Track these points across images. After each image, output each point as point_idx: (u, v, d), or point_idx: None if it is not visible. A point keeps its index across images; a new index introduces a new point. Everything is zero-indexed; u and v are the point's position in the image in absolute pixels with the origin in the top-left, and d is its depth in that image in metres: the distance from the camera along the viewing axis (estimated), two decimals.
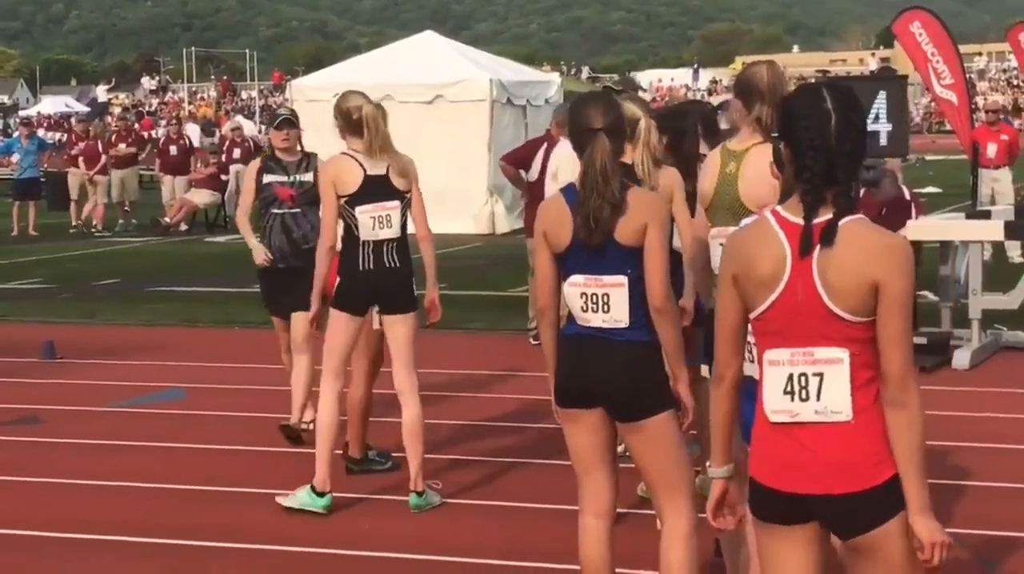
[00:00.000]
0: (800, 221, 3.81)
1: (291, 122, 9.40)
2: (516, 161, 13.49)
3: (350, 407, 8.62)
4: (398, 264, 7.86)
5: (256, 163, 9.48)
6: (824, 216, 3.79)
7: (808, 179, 3.80)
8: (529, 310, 13.28)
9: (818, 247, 3.77)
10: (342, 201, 7.73)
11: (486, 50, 33.26)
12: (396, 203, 7.83)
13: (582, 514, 5.45)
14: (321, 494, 7.73)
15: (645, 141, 6.31)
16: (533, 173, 12.92)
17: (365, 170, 7.74)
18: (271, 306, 9.59)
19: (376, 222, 7.77)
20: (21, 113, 77.76)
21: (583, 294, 5.23)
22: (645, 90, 35.92)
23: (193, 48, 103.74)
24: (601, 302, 5.21)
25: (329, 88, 26.11)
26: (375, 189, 7.75)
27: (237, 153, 26.78)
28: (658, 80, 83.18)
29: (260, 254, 9.32)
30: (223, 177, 26.67)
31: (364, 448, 8.73)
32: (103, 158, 27.27)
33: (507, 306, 15.02)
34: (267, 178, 9.32)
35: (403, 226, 7.87)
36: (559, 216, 5.28)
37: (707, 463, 4.30)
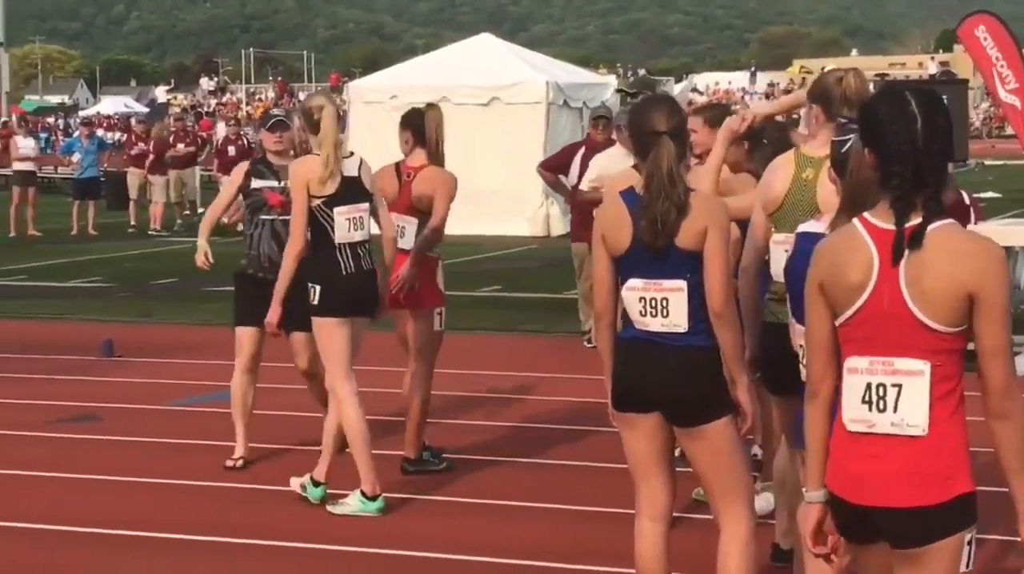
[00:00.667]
0: (889, 227, 3.72)
1: (285, 124, 9.02)
2: (554, 167, 13.50)
3: (410, 409, 8.64)
4: (372, 266, 7.88)
5: (244, 165, 9.00)
6: (914, 221, 3.71)
7: (897, 185, 3.72)
8: (580, 313, 13.30)
9: (906, 253, 3.68)
10: (318, 202, 7.66)
11: (543, 52, 33.24)
12: (367, 205, 7.83)
13: (638, 518, 5.44)
14: (373, 498, 7.73)
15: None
16: (572, 177, 12.94)
17: (342, 171, 7.69)
18: (242, 316, 8.81)
19: (351, 224, 7.72)
20: (81, 113, 78.39)
21: (642, 298, 5.21)
22: (664, 88, 35.63)
23: (251, 49, 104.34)
24: (660, 306, 5.19)
25: (386, 90, 26.24)
26: (351, 190, 7.73)
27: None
28: (715, 83, 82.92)
29: (201, 255, 8.79)
30: None
31: (420, 449, 8.74)
32: (149, 158, 27.51)
33: (562, 308, 15.00)
34: (256, 182, 8.82)
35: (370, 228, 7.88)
36: (618, 219, 5.26)
37: (803, 488, 4.20)
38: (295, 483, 8.04)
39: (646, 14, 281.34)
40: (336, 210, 7.66)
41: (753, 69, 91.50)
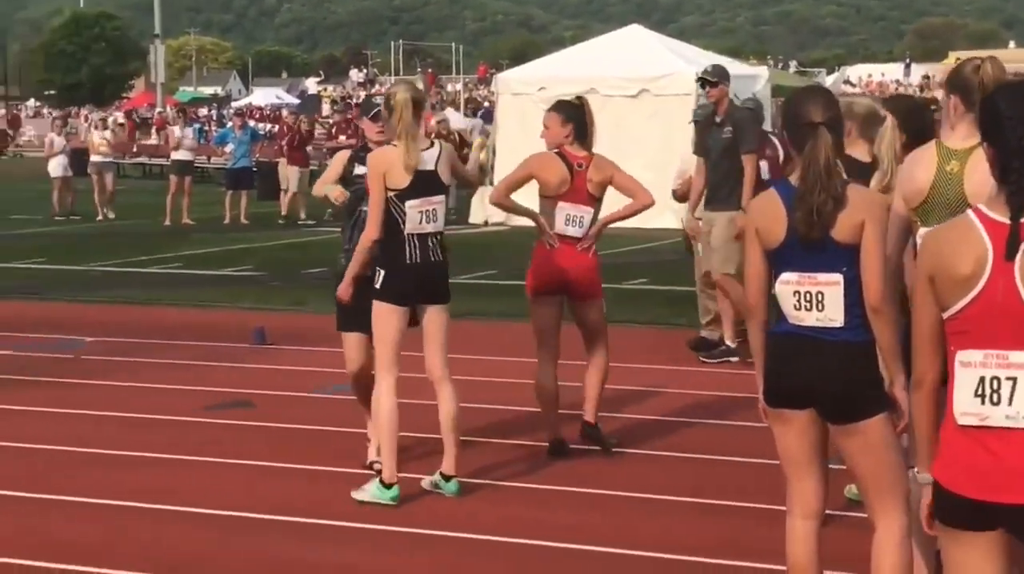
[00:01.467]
0: (1005, 220, 3.70)
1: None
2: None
3: (597, 380, 8.87)
4: (441, 258, 7.90)
5: (347, 152, 8.86)
6: None
7: (1015, 180, 3.69)
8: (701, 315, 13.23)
9: (1022, 248, 3.66)
10: (391, 194, 7.73)
11: (692, 43, 33.01)
12: (441, 197, 7.88)
13: (790, 515, 5.37)
14: (388, 486, 7.76)
15: (891, 141, 6.18)
16: (763, 172, 12.95)
17: (416, 165, 7.72)
18: (348, 322, 8.48)
19: (423, 216, 7.78)
20: (234, 104, 79.75)
21: (796, 292, 5.14)
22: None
23: (400, 41, 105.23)
24: (815, 300, 5.11)
25: (534, 82, 26.27)
26: (424, 184, 7.77)
27: None
28: (868, 75, 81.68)
29: (336, 190, 8.42)
30: None
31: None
32: (284, 148, 27.86)
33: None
34: (359, 169, 8.54)
35: (444, 219, 7.94)
36: (772, 212, 5.19)
37: (913, 468, 4.19)
38: (426, 483, 8.05)
39: (797, 5, 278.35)
40: (408, 203, 7.75)
41: (908, 61, 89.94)
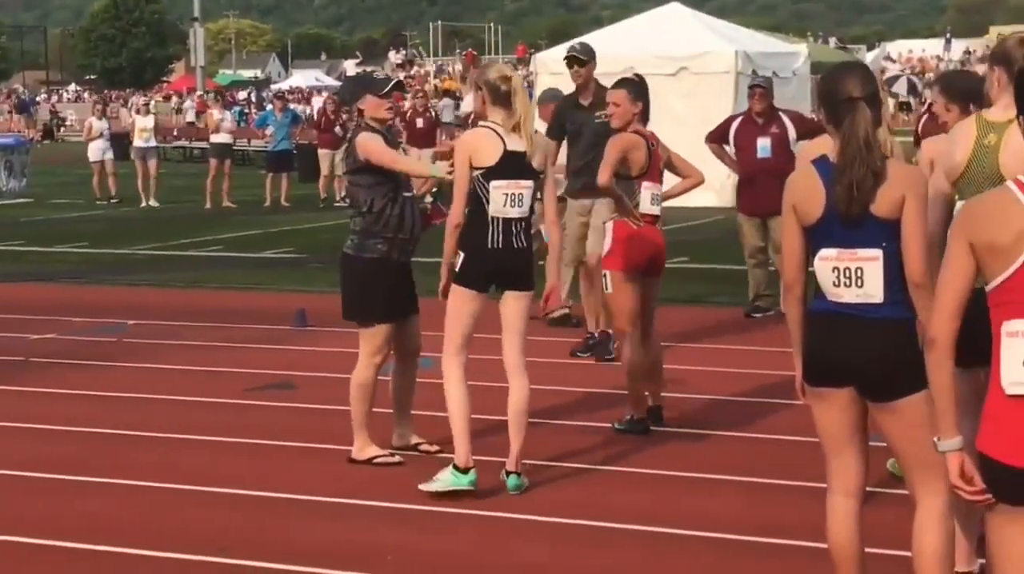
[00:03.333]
0: None
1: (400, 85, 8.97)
2: (716, 137, 13.51)
3: (654, 363, 9.04)
4: (524, 244, 7.74)
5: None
6: None
7: None
8: (750, 290, 13.42)
9: None
10: (477, 173, 7.58)
11: (732, 21, 32.86)
12: (530, 182, 7.69)
13: (830, 493, 5.36)
14: (465, 470, 7.64)
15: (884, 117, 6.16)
16: (731, 148, 13.07)
17: (505, 145, 7.58)
18: (389, 310, 8.33)
19: (508, 199, 7.60)
20: (273, 87, 79.90)
21: (835, 268, 5.11)
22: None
23: (439, 22, 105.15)
24: (854, 276, 5.08)
25: None
26: (513, 165, 7.60)
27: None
28: (908, 51, 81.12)
29: (445, 167, 8.07)
30: None
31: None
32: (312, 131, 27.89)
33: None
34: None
35: (531, 206, 7.77)
36: (811, 188, 5.16)
37: (935, 438, 4.18)
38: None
39: None
40: (493, 184, 7.56)
41: (948, 36, 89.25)
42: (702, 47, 24.91)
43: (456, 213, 7.65)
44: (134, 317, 13.85)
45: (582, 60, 11.26)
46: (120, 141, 32.88)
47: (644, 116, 9.02)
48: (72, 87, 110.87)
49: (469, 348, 7.80)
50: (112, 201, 28.47)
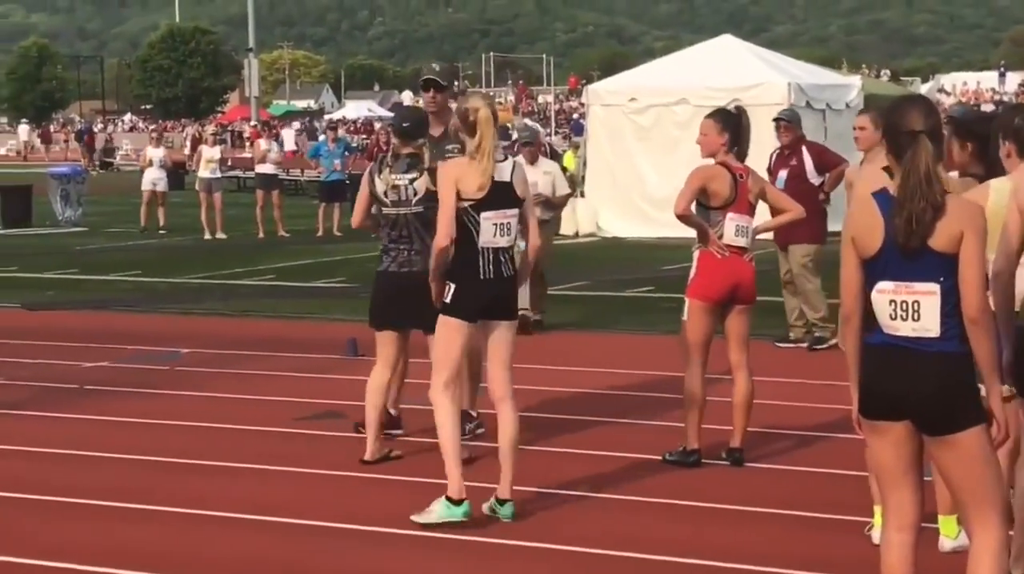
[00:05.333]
0: None
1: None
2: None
3: (746, 397, 8.94)
4: (512, 272, 7.79)
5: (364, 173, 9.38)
6: None
7: None
8: (789, 317, 13.70)
9: None
10: (465, 205, 7.60)
11: (784, 53, 32.80)
12: (516, 211, 7.74)
13: (886, 528, 5.30)
14: (458, 502, 7.60)
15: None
16: (779, 180, 13.12)
17: (492, 176, 7.62)
18: (390, 317, 9.33)
19: (497, 229, 7.65)
20: (326, 117, 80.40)
21: (892, 301, 5.08)
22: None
23: (491, 53, 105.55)
24: (911, 310, 5.05)
25: (624, 92, 26.23)
26: (500, 195, 7.65)
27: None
28: (963, 83, 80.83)
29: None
30: None
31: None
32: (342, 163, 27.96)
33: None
34: (378, 183, 9.19)
35: (523, 232, 7.83)
36: (870, 221, 5.13)
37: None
38: (485, 508, 7.83)
39: (890, 13, 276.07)
40: (483, 215, 7.61)
41: (1002, 69, 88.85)
42: (755, 79, 24.85)
43: (442, 235, 7.67)
44: (186, 345, 13.91)
45: (441, 85, 9.73)
46: (176, 170, 33.07)
47: (733, 147, 8.95)
48: (128, 117, 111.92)
49: (459, 380, 7.83)
50: (160, 232, 28.33)
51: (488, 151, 7.62)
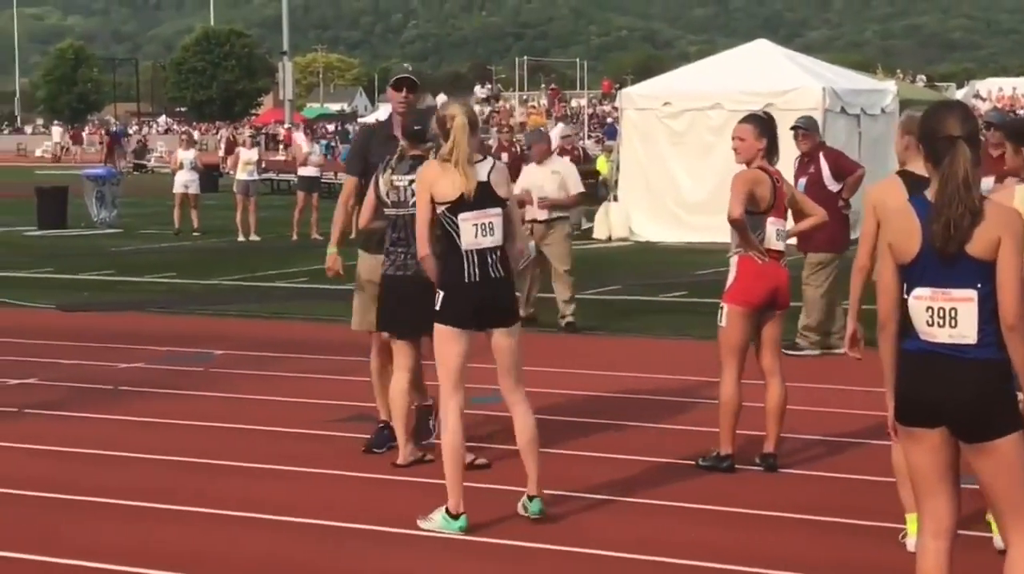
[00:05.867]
0: None
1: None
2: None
3: (780, 402, 8.92)
4: (503, 274, 7.67)
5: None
6: None
7: None
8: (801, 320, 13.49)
9: None
10: (442, 208, 7.58)
11: (819, 58, 32.70)
12: (498, 210, 7.66)
13: (921, 534, 5.27)
14: (456, 517, 7.58)
15: None
16: (799, 187, 13.09)
17: (467, 177, 7.57)
18: (396, 324, 9.17)
19: (478, 230, 7.59)
20: (360, 120, 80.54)
21: (929, 307, 5.05)
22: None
23: (525, 57, 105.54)
24: (948, 316, 5.01)
25: (658, 96, 26.18)
26: (478, 196, 7.59)
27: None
28: (999, 89, 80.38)
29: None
30: None
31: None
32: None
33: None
34: (381, 184, 9.18)
35: (504, 234, 7.70)
36: (907, 226, 5.11)
37: None
38: (519, 508, 7.85)
39: (926, 18, 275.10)
40: (461, 216, 7.57)
41: None
42: (789, 83, 24.78)
43: (421, 244, 7.69)
44: (220, 347, 13.95)
45: (414, 84, 9.70)
46: (209, 172, 33.16)
47: (770, 152, 8.97)
48: (163, 119, 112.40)
49: (463, 388, 7.73)
50: (194, 234, 28.38)
51: (460, 158, 7.59)
